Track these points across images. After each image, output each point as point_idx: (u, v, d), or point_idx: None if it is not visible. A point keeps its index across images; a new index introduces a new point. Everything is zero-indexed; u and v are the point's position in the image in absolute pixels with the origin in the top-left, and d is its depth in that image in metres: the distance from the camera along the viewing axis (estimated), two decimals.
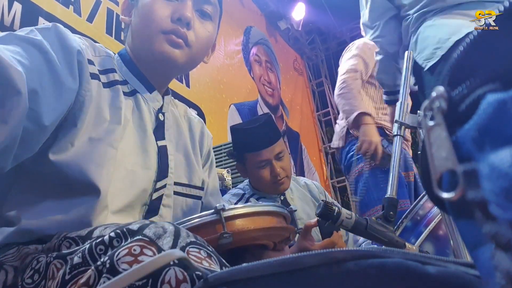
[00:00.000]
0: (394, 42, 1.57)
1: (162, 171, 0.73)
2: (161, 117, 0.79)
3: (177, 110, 0.89)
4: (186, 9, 0.73)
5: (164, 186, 0.73)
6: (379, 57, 1.65)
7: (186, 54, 0.75)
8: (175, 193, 0.76)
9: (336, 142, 2.17)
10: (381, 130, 2.00)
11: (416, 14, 1.41)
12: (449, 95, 0.18)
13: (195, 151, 0.88)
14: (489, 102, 0.16)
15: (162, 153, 0.75)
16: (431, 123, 0.19)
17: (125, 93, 0.74)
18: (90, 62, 0.69)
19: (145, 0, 0.75)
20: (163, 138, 0.77)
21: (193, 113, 0.95)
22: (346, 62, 2.12)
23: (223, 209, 0.58)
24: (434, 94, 0.19)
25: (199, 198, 0.84)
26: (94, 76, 0.68)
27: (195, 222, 0.58)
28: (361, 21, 1.69)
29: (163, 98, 0.82)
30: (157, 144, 0.75)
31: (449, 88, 0.18)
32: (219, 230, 0.57)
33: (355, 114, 1.92)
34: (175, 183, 0.76)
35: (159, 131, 0.77)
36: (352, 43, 2.23)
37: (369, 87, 2.15)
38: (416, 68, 1.32)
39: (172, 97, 0.89)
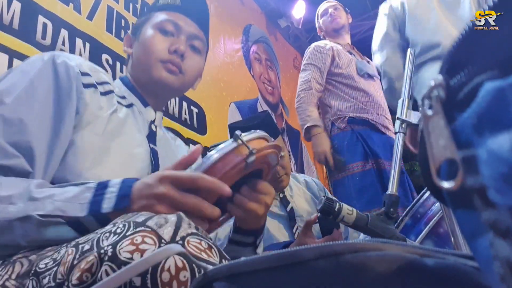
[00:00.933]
0: (397, 66, 1.65)
1: (155, 168, 0.79)
2: (153, 127, 0.87)
3: (168, 134, 0.97)
4: (181, 43, 0.85)
5: None
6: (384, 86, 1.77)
7: (180, 80, 0.86)
8: None
9: None
10: (365, 121, 2.14)
11: (418, 58, 1.50)
12: (448, 84, 0.18)
13: None
14: (487, 90, 0.16)
15: (154, 154, 0.81)
16: (429, 112, 0.18)
17: (122, 104, 0.81)
18: (87, 74, 0.75)
19: (146, 35, 0.86)
20: (155, 144, 0.84)
21: (182, 143, 1.03)
22: (300, 75, 2.29)
23: (240, 134, 0.63)
24: (432, 83, 0.19)
25: None
26: (90, 85, 0.74)
27: (223, 150, 0.61)
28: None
29: (155, 113, 0.90)
30: (149, 145, 0.81)
31: (447, 76, 0.18)
32: (245, 151, 0.62)
33: (304, 129, 2.11)
34: None
35: (151, 138, 0.84)
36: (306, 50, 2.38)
37: (338, 85, 2.23)
38: (415, 106, 1.40)
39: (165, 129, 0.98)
